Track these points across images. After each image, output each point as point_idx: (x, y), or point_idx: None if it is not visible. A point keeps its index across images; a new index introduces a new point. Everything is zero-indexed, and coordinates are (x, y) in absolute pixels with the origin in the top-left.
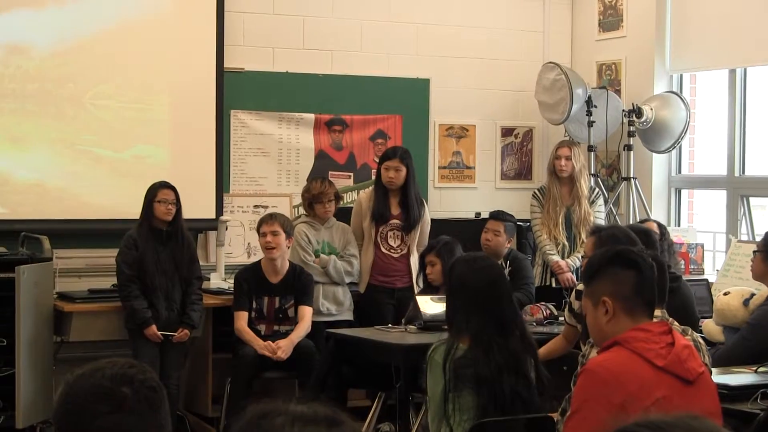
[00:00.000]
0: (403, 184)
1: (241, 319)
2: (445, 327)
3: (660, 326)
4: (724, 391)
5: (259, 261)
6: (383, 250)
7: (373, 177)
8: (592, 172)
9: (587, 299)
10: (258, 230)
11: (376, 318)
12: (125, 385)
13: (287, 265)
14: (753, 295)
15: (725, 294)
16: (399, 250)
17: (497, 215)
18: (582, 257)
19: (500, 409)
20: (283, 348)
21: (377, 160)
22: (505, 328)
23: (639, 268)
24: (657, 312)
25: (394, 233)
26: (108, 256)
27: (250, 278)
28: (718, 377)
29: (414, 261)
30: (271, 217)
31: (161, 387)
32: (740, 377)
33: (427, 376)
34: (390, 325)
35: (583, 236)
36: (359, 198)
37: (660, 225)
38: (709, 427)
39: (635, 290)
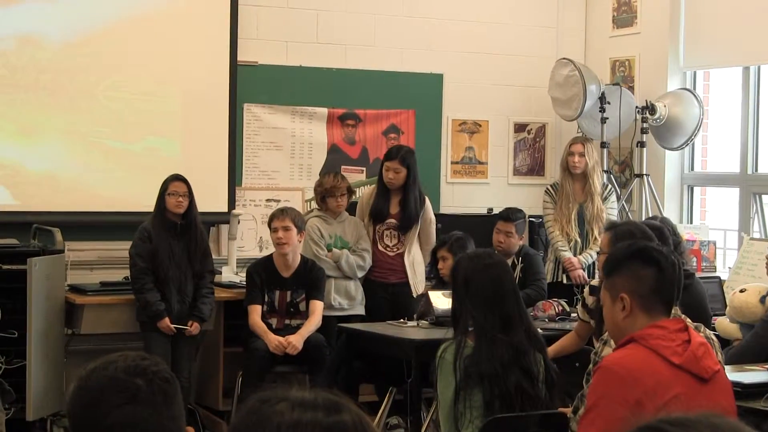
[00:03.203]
0: (404, 184)
1: (255, 313)
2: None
3: (676, 323)
4: (738, 389)
5: (271, 255)
6: (379, 247)
7: None
8: (605, 169)
9: (606, 292)
10: (269, 225)
11: (371, 313)
12: (139, 376)
13: (299, 259)
14: None
15: (741, 291)
16: (395, 249)
17: (507, 216)
18: (598, 253)
19: (506, 405)
20: (294, 343)
21: None
22: (510, 324)
23: (660, 266)
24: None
25: (390, 232)
26: (120, 248)
27: (261, 272)
28: (731, 375)
29: (409, 260)
30: (282, 212)
31: (174, 379)
32: (753, 375)
33: (438, 377)
34: (404, 319)
35: (596, 233)
36: (362, 194)
37: (666, 225)
38: (731, 425)
39: (654, 289)
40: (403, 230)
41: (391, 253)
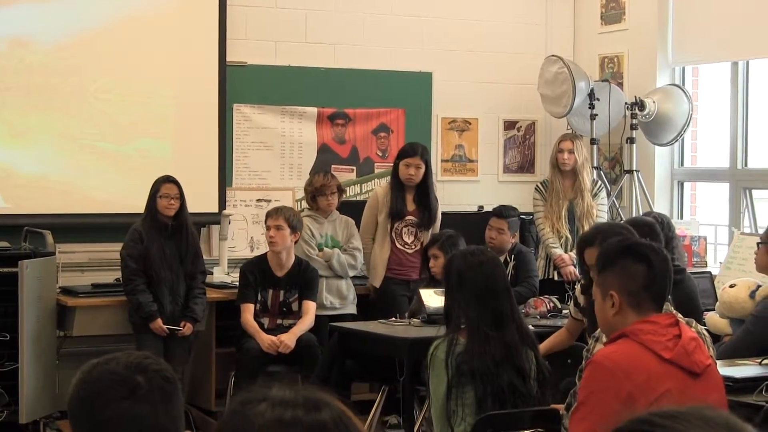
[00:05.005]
0: (421, 181)
1: (247, 311)
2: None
3: (667, 318)
4: (730, 384)
5: (265, 254)
6: (398, 245)
7: (377, 170)
8: (595, 165)
9: (597, 288)
10: (265, 223)
11: (392, 311)
12: (139, 373)
13: (293, 258)
14: (759, 286)
15: (731, 286)
16: (413, 246)
17: (500, 212)
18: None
19: (498, 402)
20: (286, 342)
21: (380, 154)
22: (502, 321)
23: (651, 262)
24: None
25: (408, 230)
26: (111, 250)
27: (255, 270)
28: (723, 370)
29: None
30: (277, 212)
31: (175, 379)
32: (745, 369)
33: (430, 374)
34: (394, 318)
35: (586, 229)
36: (375, 192)
37: (661, 221)
38: (723, 417)
39: (645, 285)
40: (423, 227)
41: (409, 251)
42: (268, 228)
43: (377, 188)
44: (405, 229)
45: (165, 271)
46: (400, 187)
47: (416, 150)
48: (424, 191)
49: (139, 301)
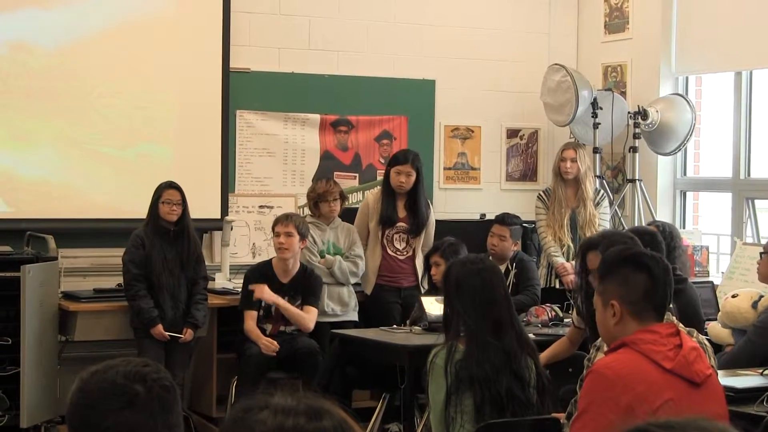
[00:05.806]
0: (412, 188)
1: (250, 318)
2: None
3: (668, 328)
4: (731, 394)
5: (270, 260)
6: (389, 252)
7: (379, 177)
8: (598, 174)
9: (598, 297)
10: (273, 229)
11: (383, 318)
12: (138, 382)
13: (298, 265)
14: (761, 297)
15: (733, 296)
16: (404, 253)
17: (502, 220)
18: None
19: (497, 410)
20: (273, 298)
21: (383, 161)
22: (501, 328)
23: (651, 271)
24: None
25: (400, 236)
26: (113, 255)
27: (260, 277)
28: (725, 380)
29: (419, 262)
30: (287, 218)
31: (174, 387)
32: (746, 380)
33: (429, 381)
34: (395, 325)
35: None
36: (366, 198)
37: (663, 230)
38: (719, 429)
39: (645, 295)
40: (414, 234)
41: (401, 257)
42: (277, 234)
43: (368, 195)
44: (396, 236)
45: (166, 277)
46: (390, 194)
47: (407, 158)
48: (414, 198)
49: (140, 307)
